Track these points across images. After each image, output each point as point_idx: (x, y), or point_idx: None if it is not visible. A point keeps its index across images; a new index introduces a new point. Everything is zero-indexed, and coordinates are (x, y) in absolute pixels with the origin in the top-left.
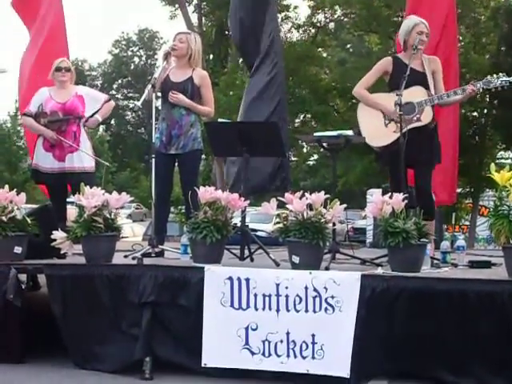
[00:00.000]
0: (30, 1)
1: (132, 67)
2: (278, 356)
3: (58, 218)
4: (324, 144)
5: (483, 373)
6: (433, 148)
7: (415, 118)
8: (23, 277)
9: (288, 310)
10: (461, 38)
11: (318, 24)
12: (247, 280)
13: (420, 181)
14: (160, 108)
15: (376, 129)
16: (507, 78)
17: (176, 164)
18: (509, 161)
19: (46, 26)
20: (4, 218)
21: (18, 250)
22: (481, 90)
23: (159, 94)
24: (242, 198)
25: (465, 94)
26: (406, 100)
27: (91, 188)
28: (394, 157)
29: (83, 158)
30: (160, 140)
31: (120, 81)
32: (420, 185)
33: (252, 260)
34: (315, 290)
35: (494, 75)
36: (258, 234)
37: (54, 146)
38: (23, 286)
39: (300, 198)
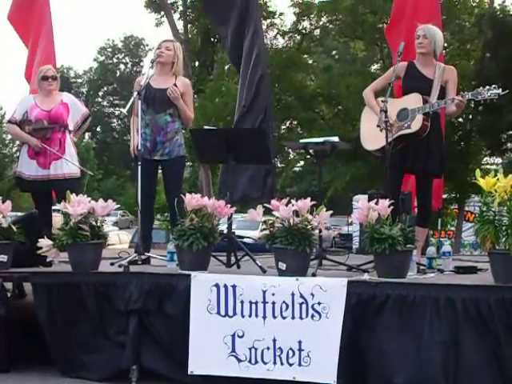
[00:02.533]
0: (26, 14)
1: (118, 74)
2: (265, 363)
3: (43, 226)
4: (310, 150)
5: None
6: (430, 157)
7: (406, 125)
8: (9, 285)
9: (275, 317)
10: (446, 44)
11: (304, 31)
12: (234, 287)
13: (417, 188)
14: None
15: (370, 132)
16: (497, 91)
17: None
18: (494, 166)
19: (35, 32)
20: None
21: (3, 258)
22: (466, 101)
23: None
24: (229, 205)
25: (454, 103)
26: (403, 106)
27: (77, 195)
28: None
29: (68, 165)
30: (144, 146)
31: (106, 88)
32: (417, 192)
33: (238, 267)
34: (302, 296)
35: (487, 86)
36: (245, 240)
37: (38, 154)
38: (9, 295)
39: (286, 205)
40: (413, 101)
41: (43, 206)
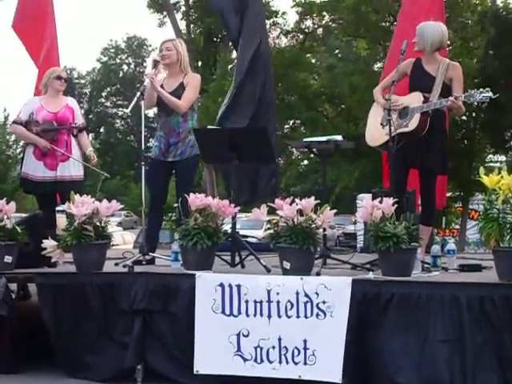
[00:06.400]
0: (31, 23)
1: (121, 75)
2: (270, 362)
3: (47, 227)
4: (314, 149)
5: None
6: (431, 155)
7: (404, 124)
8: (14, 286)
9: (279, 316)
10: (448, 42)
11: (307, 30)
12: (238, 286)
13: (421, 186)
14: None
15: (373, 128)
16: (488, 94)
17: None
18: (498, 164)
19: (39, 34)
20: None
21: (8, 259)
22: (460, 103)
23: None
24: (233, 205)
25: (447, 104)
26: (406, 104)
27: (81, 196)
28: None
29: (73, 167)
30: (158, 148)
31: (109, 88)
32: (420, 190)
33: (243, 266)
34: (306, 295)
35: (480, 89)
36: (249, 240)
37: (45, 155)
38: (13, 296)
39: (290, 204)
40: (414, 99)
41: (48, 207)
